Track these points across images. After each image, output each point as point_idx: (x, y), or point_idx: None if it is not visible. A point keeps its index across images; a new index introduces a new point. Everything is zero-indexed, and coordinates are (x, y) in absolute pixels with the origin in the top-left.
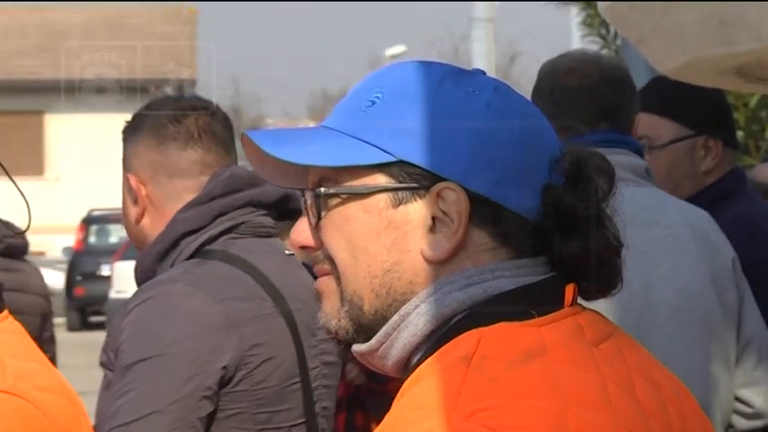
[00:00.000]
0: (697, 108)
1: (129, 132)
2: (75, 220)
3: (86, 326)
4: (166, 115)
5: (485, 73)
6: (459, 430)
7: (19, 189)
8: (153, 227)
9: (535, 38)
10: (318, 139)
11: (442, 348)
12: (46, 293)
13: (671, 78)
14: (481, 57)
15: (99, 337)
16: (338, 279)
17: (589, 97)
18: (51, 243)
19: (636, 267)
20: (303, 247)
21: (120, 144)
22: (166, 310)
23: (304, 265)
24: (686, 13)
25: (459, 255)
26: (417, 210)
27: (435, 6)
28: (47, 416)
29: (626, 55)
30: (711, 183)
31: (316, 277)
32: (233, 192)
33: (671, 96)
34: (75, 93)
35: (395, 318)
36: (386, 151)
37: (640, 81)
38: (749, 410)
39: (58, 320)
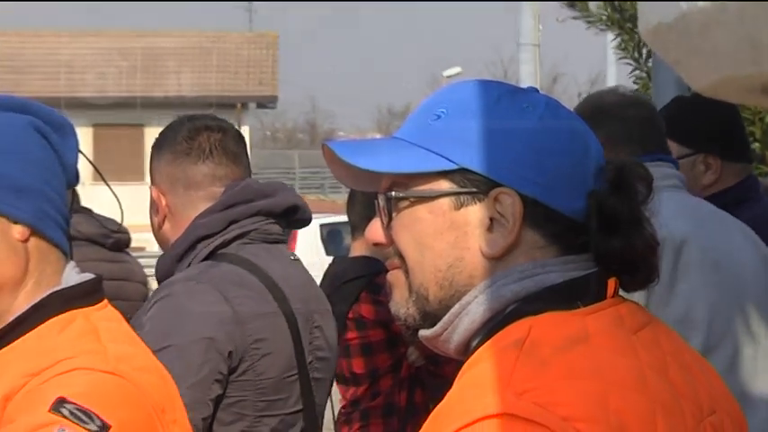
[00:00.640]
0: (695, 130)
1: (154, 150)
2: None
3: None
4: (182, 134)
5: (537, 90)
6: (512, 406)
7: (114, 193)
8: (173, 232)
9: (575, 60)
10: (390, 148)
11: (498, 334)
12: (146, 281)
13: (680, 104)
14: (528, 77)
15: None
16: (407, 272)
17: (653, 126)
18: (151, 240)
19: None
20: (376, 244)
21: None
22: (183, 305)
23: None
24: (721, 37)
25: (514, 252)
26: (477, 212)
27: (487, 32)
28: (143, 393)
29: (656, 76)
30: (723, 189)
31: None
32: (245, 201)
33: (673, 120)
34: (171, 108)
35: (456, 307)
36: (450, 160)
37: (668, 100)
38: None
39: None
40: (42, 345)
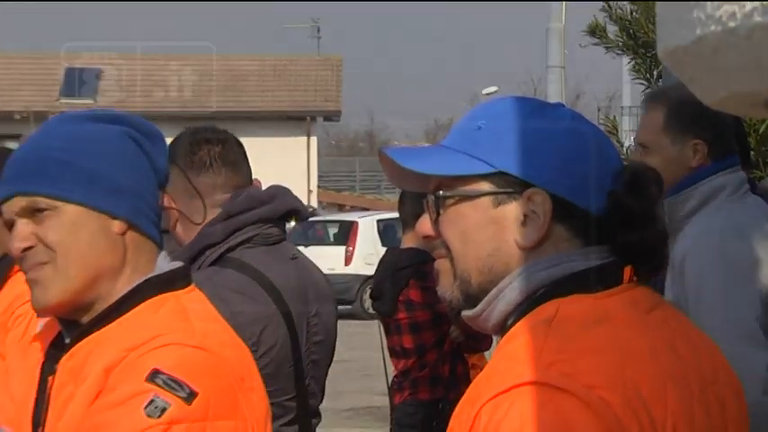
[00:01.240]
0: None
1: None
2: None
3: None
4: (185, 148)
5: (563, 105)
6: (542, 376)
7: (200, 194)
8: (184, 234)
9: (595, 80)
10: (438, 155)
11: (530, 314)
12: None
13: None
14: (555, 94)
15: None
16: (452, 261)
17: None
18: None
19: None
20: (425, 237)
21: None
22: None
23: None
24: (730, 57)
25: (544, 244)
26: (513, 209)
27: (520, 56)
28: (225, 364)
29: None
30: None
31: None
32: (247, 210)
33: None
34: (251, 121)
35: (494, 291)
36: (489, 164)
37: None
38: None
39: None
40: (139, 323)
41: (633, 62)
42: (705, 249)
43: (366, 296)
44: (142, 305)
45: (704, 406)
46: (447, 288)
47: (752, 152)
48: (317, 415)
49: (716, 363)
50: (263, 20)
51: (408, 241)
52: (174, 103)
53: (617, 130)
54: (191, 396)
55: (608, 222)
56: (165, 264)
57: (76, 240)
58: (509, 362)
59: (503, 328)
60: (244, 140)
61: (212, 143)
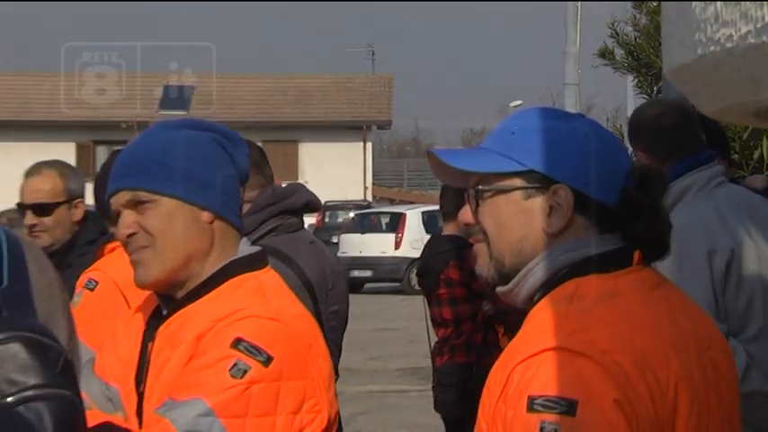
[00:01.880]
0: (712, 134)
1: None
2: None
3: None
4: None
5: (584, 115)
6: (565, 342)
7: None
8: None
9: (604, 95)
10: (478, 155)
11: (553, 291)
12: None
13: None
14: (570, 108)
15: None
16: (488, 245)
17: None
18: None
19: None
20: (466, 224)
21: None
22: None
23: None
24: (727, 74)
25: (566, 231)
26: (540, 202)
27: (540, 75)
28: (296, 333)
29: None
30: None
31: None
32: (272, 204)
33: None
34: (316, 129)
35: (523, 270)
36: (521, 164)
37: None
38: None
39: None
40: (224, 298)
41: (636, 80)
42: None
43: (412, 275)
44: (227, 283)
45: (701, 368)
46: (484, 267)
47: (736, 155)
48: (336, 373)
49: (710, 331)
50: (326, 44)
51: (448, 229)
52: (252, 114)
53: (623, 137)
54: (268, 360)
55: (620, 214)
56: (245, 248)
57: (172, 228)
58: (537, 331)
59: (530, 302)
60: (310, 146)
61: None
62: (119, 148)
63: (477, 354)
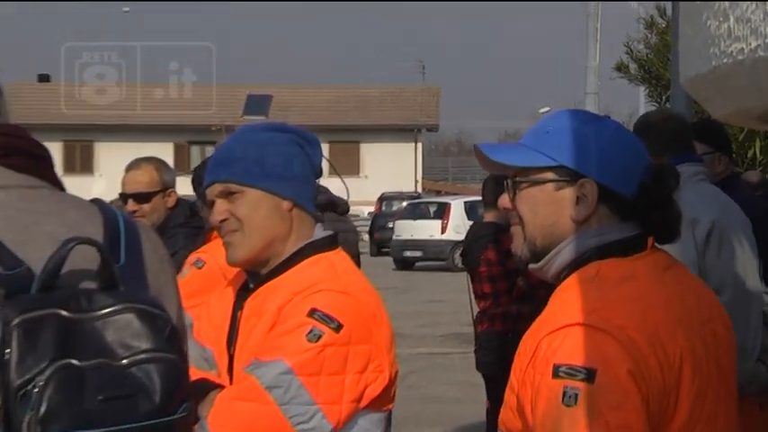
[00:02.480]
0: (717, 135)
1: None
2: (375, 198)
3: (380, 254)
4: None
5: (609, 118)
6: (586, 318)
7: (344, 181)
8: None
9: (620, 103)
10: (518, 150)
11: (578, 271)
12: (356, 242)
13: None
14: None
15: (387, 261)
16: (523, 228)
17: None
18: (361, 210)
19: None
20: (505, 209)
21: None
22: None
23: None
24: (737, 82)
25: (591, 219)
26: (569, 193)
27: (565, 85)
28: (363, 304)
29: None
30: (723, 178)
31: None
32: None
33: (698, 131)
34: (374, 133)
35: (553, 251)
36: (554, 159)
37: None
38: None
39: (364, 250)
40: (301, 275)
41: (648, 90)
42: None
43: (456, 255)
44: (304, 261)
45: (702, 340)
46: (519, 247)
47: (733, 154)
48: None
49: (711, 305)
50: (381, 58)
51: (488, 217)
52: (321, 119)
53: None
54: (338, 327)
55: (638, 205)
56: (320, 232)
57: (257, 214)
58: (562, 307)
59: (558, 279)
60: (370, 146)
61: None
62: (209, 148)
63: (512, 323)
